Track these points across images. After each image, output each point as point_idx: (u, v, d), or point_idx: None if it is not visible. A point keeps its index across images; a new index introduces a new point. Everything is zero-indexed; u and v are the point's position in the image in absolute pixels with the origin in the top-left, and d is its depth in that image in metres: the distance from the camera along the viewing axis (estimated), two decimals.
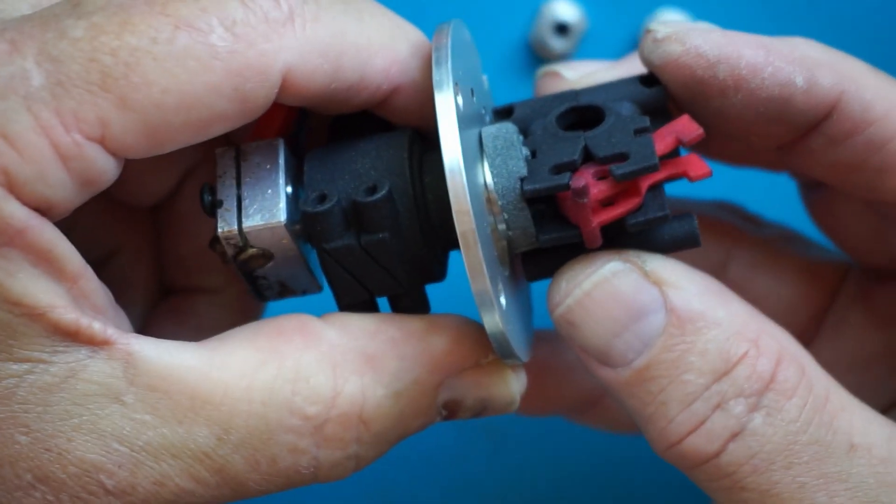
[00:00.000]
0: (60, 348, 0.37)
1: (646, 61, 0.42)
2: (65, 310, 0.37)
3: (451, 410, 0.40)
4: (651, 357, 0.38)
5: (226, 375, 0.38)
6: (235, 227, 0.40)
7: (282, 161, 0.41)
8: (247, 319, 0.41)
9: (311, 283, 0.43)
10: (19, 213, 0.36)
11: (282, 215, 0.40)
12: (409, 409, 0.39)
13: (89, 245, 0.40)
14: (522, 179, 0.39)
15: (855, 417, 0.39)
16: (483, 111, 0.42)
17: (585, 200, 0.37)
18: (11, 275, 0.36)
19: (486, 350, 0.40)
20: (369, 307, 0.41)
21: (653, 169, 0.38)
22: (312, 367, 0.39)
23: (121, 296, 0.41)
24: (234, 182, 0.41)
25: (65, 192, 0.36)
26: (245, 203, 0.40)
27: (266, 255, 0.41)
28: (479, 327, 0.40)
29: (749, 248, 0.48)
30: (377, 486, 0.59)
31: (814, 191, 0.48)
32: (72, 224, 0.38)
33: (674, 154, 0.39)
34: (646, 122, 0.39)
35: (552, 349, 0.48)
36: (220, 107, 0.37)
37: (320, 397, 0.38)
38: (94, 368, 0.37)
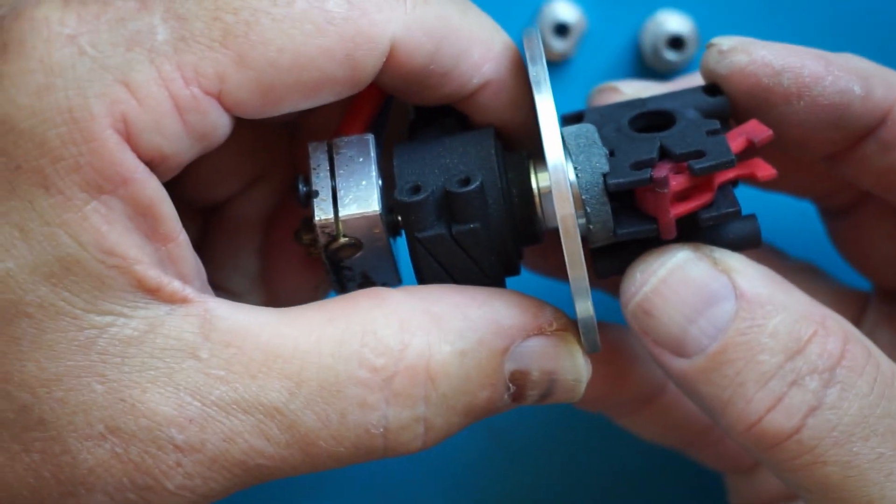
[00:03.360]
0: (141, 304, 0.38)
1: (710, 73, 0.44)
2: (149, 266, 0.38)
3: (518, 385, 0.41)
4: (725, 341, 0.40)
5: (296, 331, 0.39)
6: (332, 215, 0.42)
7: (374, 154, 0.42)
8: None
9: (393, 275, 0.44)
10: (130, 163, 0.37)
11: (376, 205, 0.41)
12: (475, 372, 0.40)
13: None
14: (605, 175, 0.40)
15: None
16: None
17: (666, 191, 0.39)
18: (110, 223, 0.37)
19: (550, 319, 0.41)
20: None
21: (730, 165, 0.40)
22: (380, 322, 0.40)
23: None
24: (328, 174, 0.42)
25: (179, 144, 0.38)
26: (340, 194, 0.42)
27: (356, 245, 0.42)
28: (540, 300, 0.41)
29: (782, 274, 0.50)
30: (376, 486, 0.59)
31: (839, 217, 0.51)
32: None
33: (742, 156, 0.41)
34: (716, 124, 0.42)
35: (616, 338, 0.49)
36: (331, 70, 0.39)
37: (388, 349, 0.39)
38: (172, 324, 0.38)
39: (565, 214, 0.39)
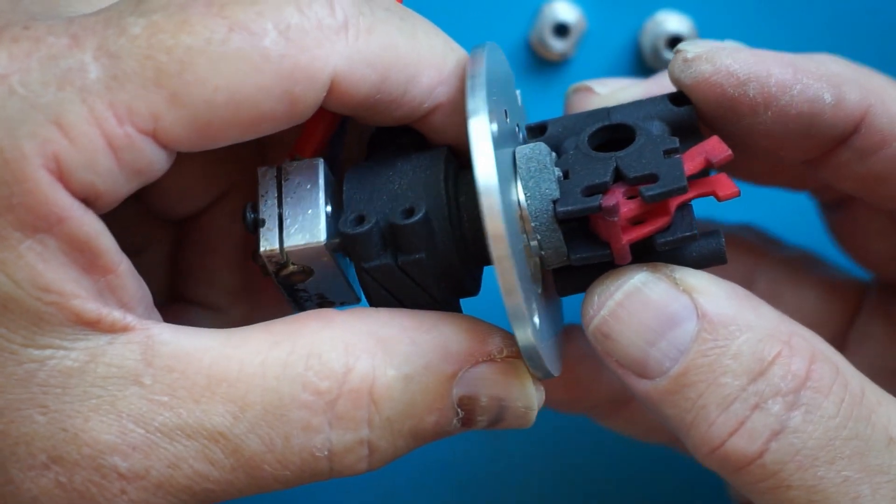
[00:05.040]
0: (81, 336, 0.38)
1: (676, 81, 0.43)
2: (87, 300, 0.38)
3: (466, 411, 0.40)
4: (687, 363, 0.39)
5: (241, 354, 0.39)
6: (277, 246, 0.41)
7: (321, 182, 0.42)
8: None
9: (350, 294, 0.44)
10: (63, 202, 0.37)
11: (322, 235, 0.41)
12: (421, 396, 0.40)
13: (118, 239, 0.40)
14: (555, 201, 0.39)
15: (892, 411, 0.40)
16: (517, 128, 0.43)
17: (616, 219, 0.38)
18: (45, 261, 0.37)
19: (500, 346, 0.40)
20: None
21: (681, 191, 0.38)
22: (325, 345, 0.39)
23: None
24: (275, 201, 0.42)
25: (114, 181, 0.37)
26: (287, 223, 0.41)
27: (306, 271, 0.42)
28: (492, 326, 0.41)
29: (773, 266, 0.50)
30: (377, 486, 0.59)
31: (835, 210, 0.50)
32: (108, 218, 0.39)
33: (703, 173, 0.40)
34: (675, 143, 0.40)
35: (587, 344, 0.48)
36: (270, 107, 0.38)
37: (332, 373, 0.39)
38: (113, 353, 0.38)
39: (500, 255, 0.38)
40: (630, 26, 0.57)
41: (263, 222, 0.41)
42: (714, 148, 0.40)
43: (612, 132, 0.42)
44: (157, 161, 0.38)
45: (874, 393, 0.40)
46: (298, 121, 0.39)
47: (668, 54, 0.56)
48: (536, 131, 0.44)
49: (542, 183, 0.40)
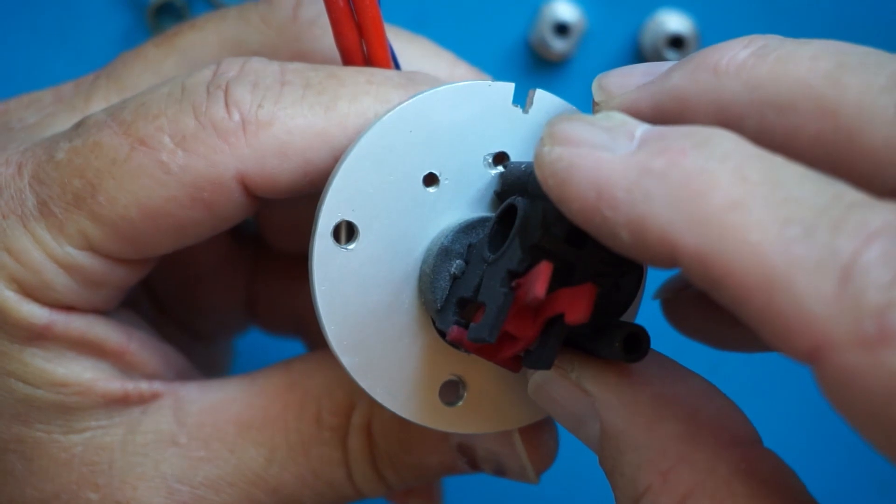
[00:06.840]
0: (115, 412, 0.40)
1: None
2: (109, 381, 0.40)
3: (468, 457, 0.41)
4: (600, 461, 0.36)
5: (263, 400, 0.41)
6: None
7: None
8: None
9: None
10: (39, 313, 0.39)
11: None
12: (418, 438, 0.41)
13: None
14: (438, 311, 0.38)
15: None
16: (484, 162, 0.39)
17: (462, 350, 0.37)
18: (51, 361, 0.40)
19: None
20: None
21: (483, 341, 0.34)
22: (336, 383, 0.41)
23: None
24: None
25: (78, 294, 0.39)
26: None
27: None
28: None
29: None
30: None
31: None
32: None
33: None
34: (515, 261, 0.34)
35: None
36: (185, 215, 0.39)
37: (341, 409, 0.41)
38: (148, 421, 0.41)
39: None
40: (630, 26, 0.57)
41: None
42: (532, 282, 0.33)
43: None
44: (110, 272, 0.40)
45: None
46: (228, 221, 0.40)
47: (668, 54, 0.56)
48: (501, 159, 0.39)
49: (428, 298, 0.38)
